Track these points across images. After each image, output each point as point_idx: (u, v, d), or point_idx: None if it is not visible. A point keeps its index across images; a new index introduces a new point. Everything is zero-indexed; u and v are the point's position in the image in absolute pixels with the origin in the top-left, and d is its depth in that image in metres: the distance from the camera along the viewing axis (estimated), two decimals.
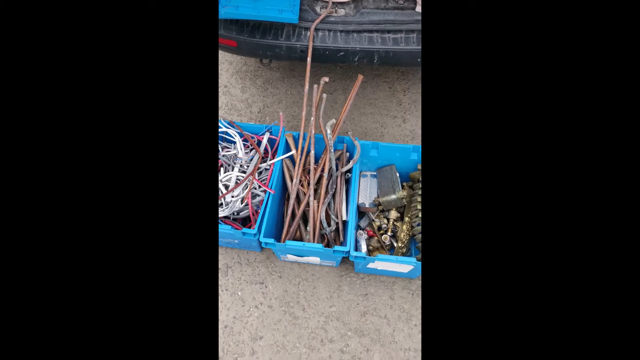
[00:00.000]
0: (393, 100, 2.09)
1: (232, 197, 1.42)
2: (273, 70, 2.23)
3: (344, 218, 1.47)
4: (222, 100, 2.10)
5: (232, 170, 1.52)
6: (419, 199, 1.48)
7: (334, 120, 1.48)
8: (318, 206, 1.43)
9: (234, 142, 1.59)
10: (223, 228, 1.35)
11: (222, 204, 1.46)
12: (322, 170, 1.48)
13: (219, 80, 2.18)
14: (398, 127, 1.98)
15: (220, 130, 1.60)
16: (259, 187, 1.49)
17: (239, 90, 2.13)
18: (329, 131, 1.43)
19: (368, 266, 1.39)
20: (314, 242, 1.42)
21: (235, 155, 1.55)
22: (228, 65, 2.25)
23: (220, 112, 2.05)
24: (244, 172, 1.53)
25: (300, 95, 2.11)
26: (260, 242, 1.44)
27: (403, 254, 1.49)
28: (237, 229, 1.37)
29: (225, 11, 1.49)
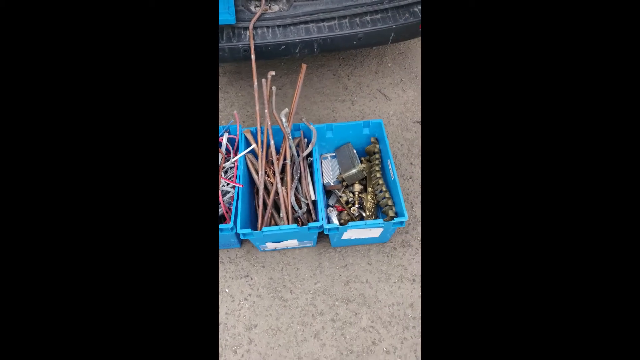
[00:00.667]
0: (339, 86, 2.20)
1: None
2: (220, 75, 2.26)
3: (313, 198, 1.55)
4: None
5: None
6: (377, 168, 1.60)
7: (287, 110, 1.57)
8: (287, 192, 1.51)
9: None
10: None
11: None
12: (285, 158, 1.56)
13: None
14: (348, 109, 2.10)
15: None
16: (227, 184, 1.54)
17: None
18: (284, 120, 1.51)
19: (342, 238, 1.49)
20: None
21: None
22: None
23: None
24: None
25: (251, 96, 2.17)
26: (238, 236, 1.50)
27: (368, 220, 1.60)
28: None
29: None
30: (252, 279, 1.56)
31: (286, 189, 1.52)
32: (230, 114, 2.09)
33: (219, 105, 2.13)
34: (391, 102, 2.12)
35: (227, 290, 1.54)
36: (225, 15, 1.59)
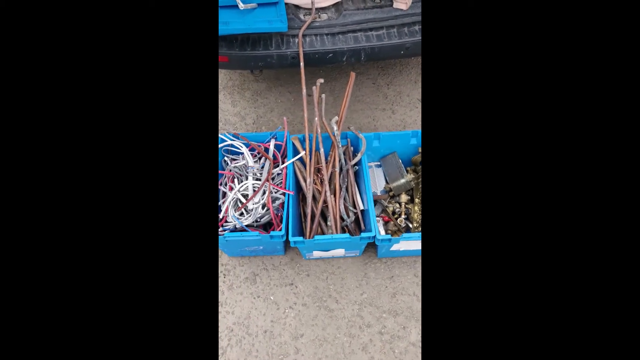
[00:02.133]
0: (379, 95, 2.19)
1: (254, 204, 1.46)
2: (259, 81, 2.28)
3: (362, 207, 1.54)
4: None
5: (247, 179, 1.56)
6: None
7: (336, 118, 1.56)
8: (336, 200, 1.50)
9: (242, 153, 1.63)
10: (249, 236, 1.39)
11: (243, 213, 1.49)
12: (333, 166, 1.55)
13: None
14: (389, 118, 2.09)
15: (225, 143, 1.63)
16: (277, 190, 1.53)
17: (229, 105, 2.17)
18: (335, 128, 1.50)
19: (392, 249, 1.47)
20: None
21: (246, 165, 1.59)
22: None
23: None
24: (258, 180, 1.57)
25: (291, 102, 2.17)
26: (284, 244, 1.49)
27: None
28: (262, 233, 1.40)
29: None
30: (296, 287, 1.55)
31: (335, 197, 1.51)
32: (270, 120, 2.10)
33: (259, 110, 2.14)
34: None
35: (272, 297, 1.52)
36: (278, 23, 1.60)
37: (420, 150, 1.69)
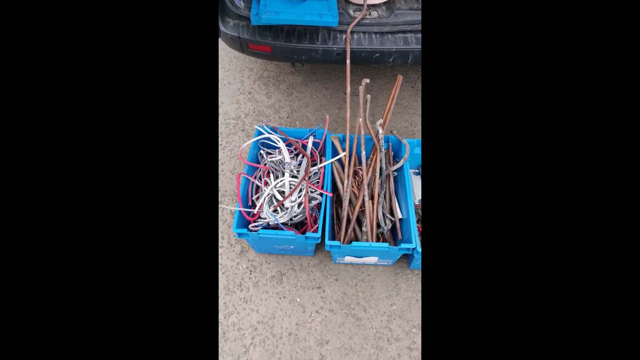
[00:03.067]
0: (418, 99, 2.12)
1: (290, 202, 1.42)
2: (295, 74, 2.23)
3: (400, 216, 1.48)
4: (249, 106, 2.08)
5: (283, 176, 1.51)
6: None
7: (381, 120, 1.50)
8: (374, 206, 1.44)
9: (278, 148, 1.58)
10: (284, 234, 1.34)
11: (277, 210, 1.45)
12: (373, 170, 1.49)
13: (243, 87, 2.17)
14: None
15: (262, 136, 1.59)
16: (314, 190, 1.48)
17: (264, 96, 2.12)
18: (380, 131, 1.44)
19: None
20: (372, 241, 1.42)
21: (282, 161, 1.54)
22: (249, 71, 2.24)
23: (249, 119, 2.04)
24: (295, 177, 1.52)
25: (327, 99, 2.12)
26: (315, 246, 1.45)
27: None
28: (297, 234, 1.36)
29: (266, 17, 1.48)
30: (324, 291, 1.50)
31: (373, 202, 1.45)
32: (304, 115, 2.05)
33: (294, 104, 2.09)
34: None
35: (298, 299, 1.48)
36: (329, 17, 1.54)
37: None
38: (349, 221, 1.46)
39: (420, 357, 1.35)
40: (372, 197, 1.47)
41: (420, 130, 2.00)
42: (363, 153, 1.48)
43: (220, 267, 1.55)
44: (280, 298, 1.48)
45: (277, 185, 1.46)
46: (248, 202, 1.49)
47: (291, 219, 1.45)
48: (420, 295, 1.49)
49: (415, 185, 1.65)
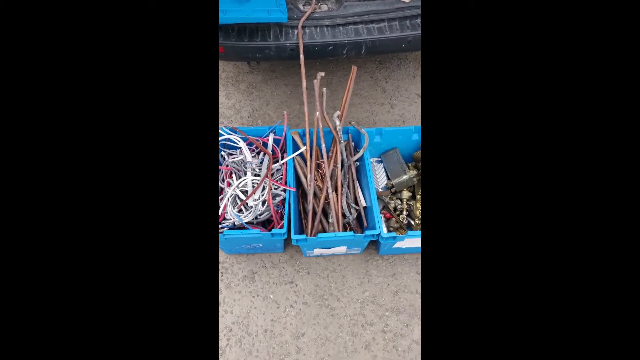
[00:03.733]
0: (377, 89, 2.16)
1: (254, 200, 1.42)
2: (254, 73, 2.21)
3: (364, 204, 1.51)
4: None
5: (245, 175, 1.51)
6: None
7: (338, 112, 1.52)
8: (338, 197, 1.46)
9: (239, 148, 1.58)
10: (249, 233, 1.34)
11: (241, 210, 1.44)
12: (335, 162, 1.51)
13: None
14: (387, 113, 2.06)
15: (222, 137, 1.58)
16: (277, 187, 1.49)
17: (223, 97, 2.10)
18: (338, 123, 1.46)
19: (394, 246, 1.45)
20: (338, 231, 1.45)
21: (244, 160, 1.54)
22: None
23: None
24: (257, 176, 1.52)
25: (287, 95, 2.12)
26: (284, 242, 1.46)
27: (420, 230, 1.56)
28: (263, 231, 1.36)
29: None
30: (297, 285, 1.51)
31: (337, 194, 1.47)
32: (266, 113, 2.04)
33: (255, 103, 2.08)
34: None
35: (271, 296, 1.49)
36: (277, 13, 1.54)
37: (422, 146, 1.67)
38: (314, 214, 1.47)
39: (393, 338, 1.39)
40: (335, 189, 1.49)
41: (380, 119, 2.03)
42: (323, 146, 1.50)
43: None
44: (253, 297, 1.48)
45: (240, 185, 1.46)
46: None
47: (256, 217, 1.45)
48: (391, 280, 1.52)
49: (377, 173, 1.69)
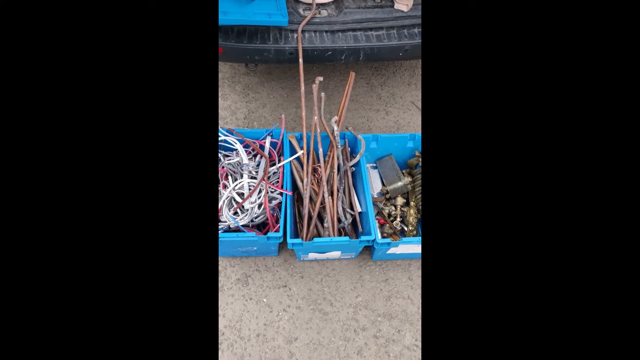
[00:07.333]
0: (373, 95, 2.18)
1: (250, 203, 1.41)
2: (250, 75, 2.21)
3: (359, 209, 1.52)
4: None
5: (241, 177, 1.50)
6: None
7: (336, 117, 1.53)
8: (334, 202, 1.47)
9: (235, 150, 1.57)
10: (245, 236, 1.34)
11: (237, 212, 1.44)
12: (331, 167, 1.52)
13: None
14: (382, 119, 2.08)
15: (219, 139, 1.57)
16: (274, 190, 1.49)
17: (219, 98, 2.09)
18: (335, 128, 1.47)
19: (388, 252, 1.46)
20: (333, 236, 1.45)
21: (240, 163, 1.53)
22: None
23: None
24: (253, 178, 1.51)
25: (284, 98, 2.12)
26: (278, 245, 1.45)
27: (413, 236, 1.58)
28: (259, 234, 1.36)
29: None
30: (290, 289, 1.51)
31: (332, 198, 1.48)
32: (262, 116, 2.04)
33: (251, 105, 2.07)
34: None
35: (264, 300, 1.48)
36: (278, 16, 1.54)
37: (417, 153, 1.69)
38: (310, 218, 1.48)
39: (385, 344, 1.40)
40: (331, 193, 1.50)
41: (375, 125, 2.05)
42: (320, 150, 1.51)
43: None
44: (246, 300, 1.47)
45: (236, 188, 1.45)
46: None
47: (252, 220, 1.45)
48: (384, 285, 1.54)
49: (372, 179, 1.70)
